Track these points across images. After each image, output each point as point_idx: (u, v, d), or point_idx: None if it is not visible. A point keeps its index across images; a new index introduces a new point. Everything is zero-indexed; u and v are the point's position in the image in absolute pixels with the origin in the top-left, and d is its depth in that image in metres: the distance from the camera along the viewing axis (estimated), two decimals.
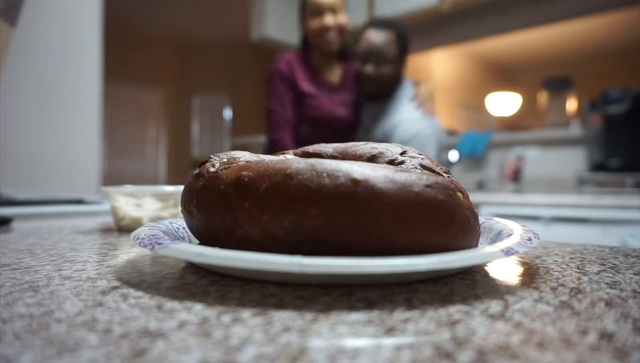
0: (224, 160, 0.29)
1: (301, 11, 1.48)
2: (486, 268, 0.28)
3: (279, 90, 1.42)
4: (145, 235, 0.27)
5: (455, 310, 0.20)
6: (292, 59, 1.46)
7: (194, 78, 4.37)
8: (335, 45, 1.45)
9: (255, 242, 0.24)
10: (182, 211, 0.30)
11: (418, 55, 3.20)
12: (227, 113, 4.09)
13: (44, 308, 0.20)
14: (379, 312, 0.19)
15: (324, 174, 0.23)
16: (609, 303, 0.21)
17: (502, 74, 5.03)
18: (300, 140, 1.42)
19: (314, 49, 1.48)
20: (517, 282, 0.25)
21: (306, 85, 1.44)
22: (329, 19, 1.42)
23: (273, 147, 1.42)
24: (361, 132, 1.53)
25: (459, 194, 0.25)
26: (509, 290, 0.23)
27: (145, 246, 0.25)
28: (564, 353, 0.15)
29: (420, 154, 0.31)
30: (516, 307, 0.20)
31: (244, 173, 0.25)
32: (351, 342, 0.16)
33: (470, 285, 0.24)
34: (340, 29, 1.44)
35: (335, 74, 1.52)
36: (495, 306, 0.20)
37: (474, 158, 2.36)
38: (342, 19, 1.45)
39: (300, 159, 0.25)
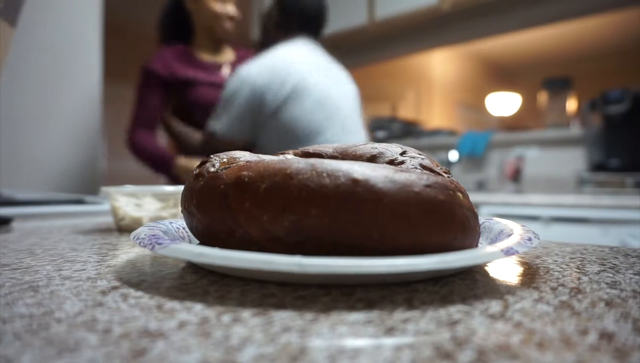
0: (224, 160, 0.29)
1: None
2: (486, 268, 0.28)
3: (149, 95, 1.32)
4: (145, 235, 0.27)
5: (455, 310, 0.20)
6: (168, 56, 1.35)
7: None
8: (231, 35, 1.39)
9: (255, 242, 0.24)
10: (182, 211, 0.30)
11: (418, 55, 3.20)
12: None
13: (44, 308, 0.20)
14: (379, 312, 0.19)
15: (324, 174, 0.23)
16: (609, 303, 0.21)
17: (502, 74, 5.02)
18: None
19: (202, 33, 1.38)
20: (517, 282, 0.25)
21: (191, 72, 1.34)
22: (232, 8, 1.36)
23: (134, 149, 1.34)
24: None
25: (459, 194, 0.25)
26: (509, 290, 0.23)
27: (145, 246, 0.25)
28: (564, 353, 0.15)
29: (421, 154, 0.31)
30: (516, 307, 0.20)
31: (244, 173, 0.25)
32: (351, 342, 0.16)
33: (470, 285, 0.24)
34: (236, 21, 1.39)
35: (226, 55, 1.44)
36: (495, 306, 0.20)
37: (474, 158, 2.36)
38: (237, 10, 1.39)
39: (300, 158, 0.25)
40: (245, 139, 1.19)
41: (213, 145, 1.20)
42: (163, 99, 1.35)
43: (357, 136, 1.25)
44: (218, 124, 1.19)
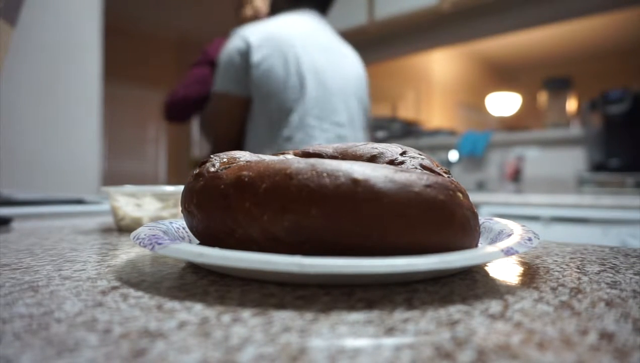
0: (224, 160, 0.29)
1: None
2: (486, 268, 0.28)
3: (198, 68, 1.34)
4: (145, 235, 0.27)
5: (455, 310, 0.20)
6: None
7: None
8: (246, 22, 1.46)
9: (255, 242, 0.24)
10: (182, 211, 0.30)
11: (418, 55, 3.20)
12: None
13: (44, 308, 0.20)
14: (379, 312, 0.19)
15: (324, 174, 0.23)
16: (609, 303, 0.21)
17: (502, 74, 5.02)
18: None
19: None
20: (517, 282, 0.25)
21: None
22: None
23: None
24: None
25: (459, 194, 0.25)
26: (509, 290, 0.23)
27: (145, 246, 0.25)
28: (564, 353, 0.15)
29: (421, 154, 0.31)
30: (516, 307, 0.20)
31: (244, 173, 0.25)
32: (351, 342, 0.16)
33: (470, 285, 0.24)
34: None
35: None
36: (495, 306, 0.20)
37: (474, 158, 2.36)
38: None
39: (300, 158, 0.25)
40: (238, 93, 1.17)
41: (213, 105, 1.22)
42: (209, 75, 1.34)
43: (344, 120, 1.21)
44: (214, 84, 1.20)
